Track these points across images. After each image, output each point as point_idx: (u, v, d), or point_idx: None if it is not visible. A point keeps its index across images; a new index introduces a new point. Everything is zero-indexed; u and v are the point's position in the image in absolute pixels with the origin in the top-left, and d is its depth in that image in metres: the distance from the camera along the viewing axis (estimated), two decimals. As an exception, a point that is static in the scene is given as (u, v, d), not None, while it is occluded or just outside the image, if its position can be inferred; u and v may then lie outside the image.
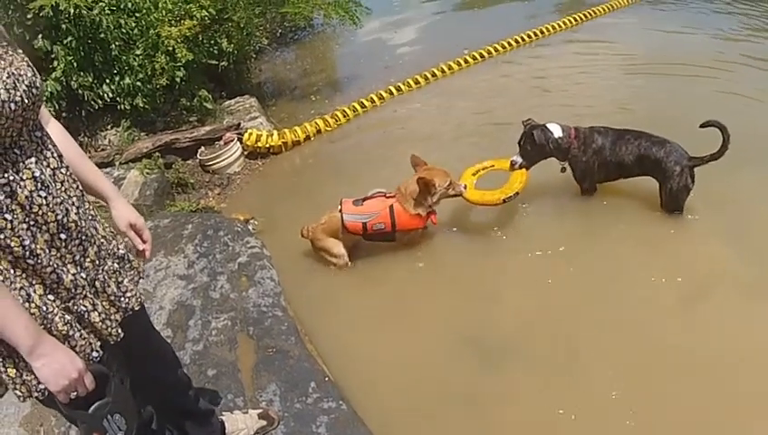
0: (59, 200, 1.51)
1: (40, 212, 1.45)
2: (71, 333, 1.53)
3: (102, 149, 5.54)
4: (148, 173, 4.97)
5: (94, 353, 1.60)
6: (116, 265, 1.73)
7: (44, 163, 1.50)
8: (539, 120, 4.16)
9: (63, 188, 1.54)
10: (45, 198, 1.46)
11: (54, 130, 1.70)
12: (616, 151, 4.00)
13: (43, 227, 1.47)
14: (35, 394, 1.52)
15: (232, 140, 5.50)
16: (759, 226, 3.84)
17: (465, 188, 3.99)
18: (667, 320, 3.28)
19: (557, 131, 4.07)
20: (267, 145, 5.57)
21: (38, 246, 1.45)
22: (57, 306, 1.52)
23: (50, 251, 1.49)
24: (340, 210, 3.87)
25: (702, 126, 3.76)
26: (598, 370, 3.02)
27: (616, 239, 3.92)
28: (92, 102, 5.36)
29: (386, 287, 3.83)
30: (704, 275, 3.61)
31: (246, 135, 5.56)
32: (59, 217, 1.50)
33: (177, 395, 2.25)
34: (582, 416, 2.81)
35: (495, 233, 4.12)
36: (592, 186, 4.28)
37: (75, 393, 1.49)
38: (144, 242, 1.92)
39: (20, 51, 1.51)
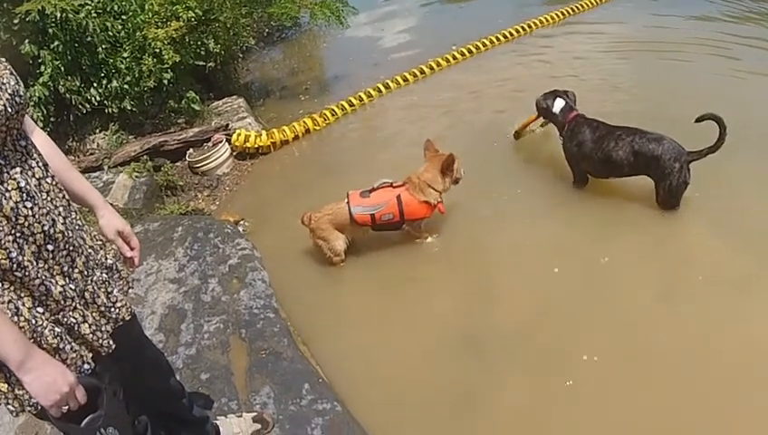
0: (45, 211, 1.49)
1: (26, 223, 1.43)
2: (61, 345, 1.51)
3: (91, 153, 5.51)
4: (137, 176, 4.96)
5: (86, 366, 1.58)
6: (105, 275, 1.71)
7: (30, 173, 1.48)
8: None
9: (49, 198, 1.52)
10: (31, 208, 1.44)
11: (39, 139, 1.67)
12: (601, 147, 3.97)
13: (30, 239, 1.45)
14: (28, 408, 1.50)
15: (220, 141, 5.48)
16: (750, 215, 3.82)
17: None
18: (662, 319, 3.24)
19: (557, 107, 4.36)
20: (256, 145, 5.56)
21: (25, 258, 1.43)
22: (47, 319, 1.50)
23: (37, 263, 1.47)
24: (348, 202, 3.86)
25: (698, 120, 3.73)
26: (593, 372, 3.00)
27: (612, 236, 3.88)
28: (80, 106, 5.35)
29: (379, 286, 3.82)
30: (699, 271, 3.54)
31: (235, 136, 5.54)
32: (45, 228, 1.48)
33: (170, 404, 2.24)
34: (575, 418, 2.81)
35: (492, 232, 4.10)
36: (581, 177, 4.29)
37: (67, 407, 1.47)
38: (132, 249, 1.90)
39: (2, 59, 1.49)
